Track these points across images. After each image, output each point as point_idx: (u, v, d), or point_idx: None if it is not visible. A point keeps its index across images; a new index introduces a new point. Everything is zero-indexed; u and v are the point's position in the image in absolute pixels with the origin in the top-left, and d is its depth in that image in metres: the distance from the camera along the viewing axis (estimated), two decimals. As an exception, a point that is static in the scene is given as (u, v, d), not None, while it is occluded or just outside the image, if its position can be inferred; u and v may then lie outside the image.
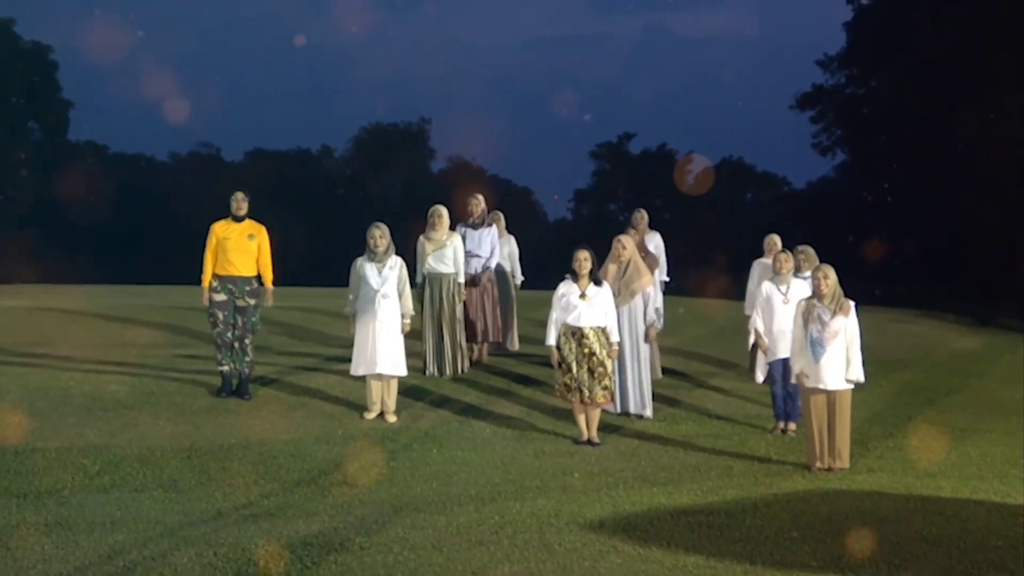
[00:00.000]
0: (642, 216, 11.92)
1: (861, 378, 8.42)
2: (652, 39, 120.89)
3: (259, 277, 9.68)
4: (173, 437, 8.39)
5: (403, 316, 9.32)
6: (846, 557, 5.82)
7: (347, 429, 8.97)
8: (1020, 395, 11.97)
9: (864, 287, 15.17)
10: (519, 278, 12.17)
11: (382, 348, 9.18)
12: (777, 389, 9.68)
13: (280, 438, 8.55)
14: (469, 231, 11.21)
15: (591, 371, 8.88)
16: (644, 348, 10.00)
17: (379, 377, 9.28)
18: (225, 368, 9.58)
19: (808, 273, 9.83)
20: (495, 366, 11.35)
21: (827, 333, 8.25)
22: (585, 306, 8.92)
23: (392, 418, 9.27)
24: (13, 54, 43.44)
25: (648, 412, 9.98)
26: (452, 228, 10.86)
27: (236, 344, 9.56)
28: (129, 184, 44.28)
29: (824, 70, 39.06)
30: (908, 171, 32.82)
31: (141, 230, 41.03)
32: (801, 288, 9.38)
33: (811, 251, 10.34)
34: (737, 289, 12.86)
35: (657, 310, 10.11)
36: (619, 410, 9.87)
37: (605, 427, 9.35)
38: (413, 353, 10.06)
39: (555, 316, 9.04)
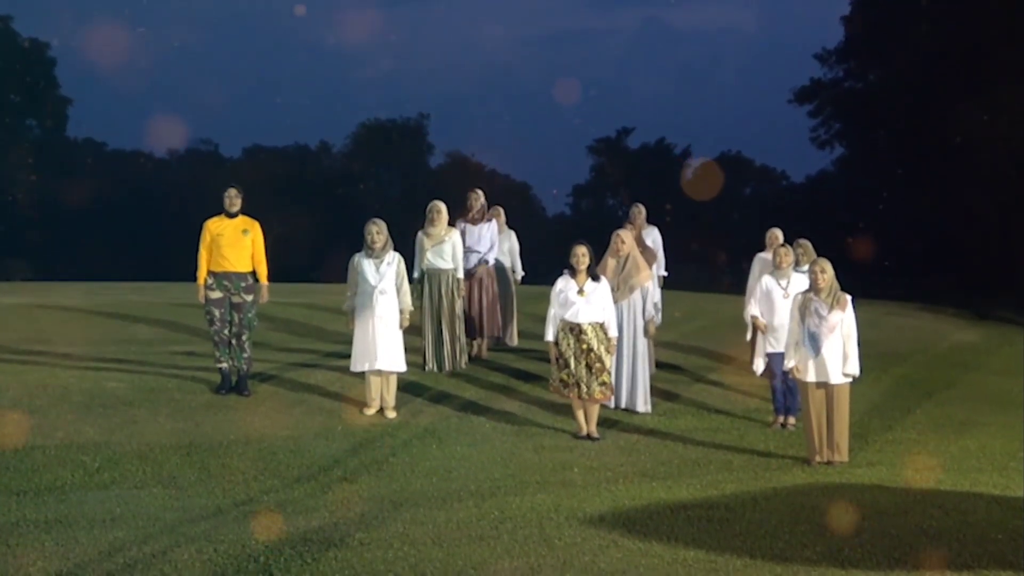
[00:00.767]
0: (639, 211, 11.90)
1: (857, 372, 8.43)
2: (650, 33, 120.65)
3: (254, 273, 9.68)
4: (173, 434, 8.39)
5: (401, 311, 9.32)
6: (846, 550, 5.83)
7: (347, 425, 8.97)
8: (1018, 388, 11.98)
9: (862, 281, 15.19)
10: (520, 273, 12.17)
11: (381, 344, 9.18)
12: (777, 383, 9.69)
13: (280, 434, 8.55)
14: (468, 226, 11.21)
15: (589, 367, 8.88)
16: (642, 343, 10.01)
17: (378, 373, 9.28)
18: (224, 365, 9.59)
19: (806, 267, 9.85)
20: (494, 362, 11.36)
21: (825, 327, 8.26)
22: (583, 302, 8.91)
23: (391, 414, 9.28)
24: (11, 51, 43.39)
25: (647, 407, 9.99)
26: (451, 223, 10.86)
27: (233, 341, 9.56)
28: (128, 181, 44.25)
29: (822, 64, 39.07)
30: (906, 165, 32.82)
31: (140, 227, 40.98)
32: (801, 282, 9.38)
33: (809, 245, 10.35)
34: (734, 282, 12.87)
35: (655, 305, 10.12)
36: (619, 405, 9.88)
37: (604, 422, 9.36)
38: (412, 349, 10.06)
39: (553, 312, 9.03)
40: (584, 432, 8.98)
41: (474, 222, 11.28)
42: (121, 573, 5.25)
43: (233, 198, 9.67)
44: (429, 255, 10.59)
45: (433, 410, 9.60)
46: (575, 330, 8.91)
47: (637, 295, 9.94)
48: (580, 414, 9.02)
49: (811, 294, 8.41)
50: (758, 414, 10.19)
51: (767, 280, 9.77)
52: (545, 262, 13.80)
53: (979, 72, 28.72)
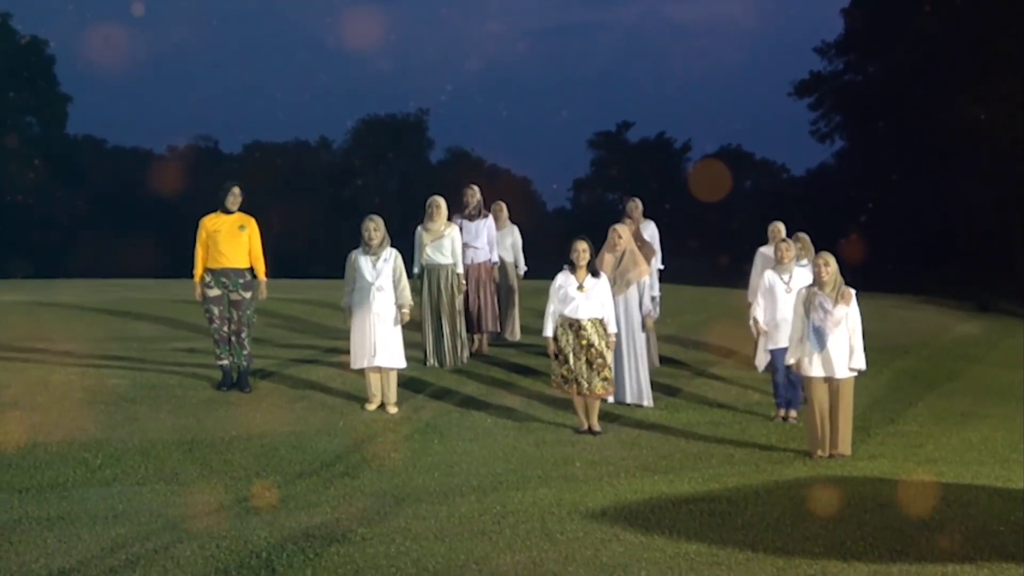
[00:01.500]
0: (636, 205, 11.86)
1: (863, 366, 8.42)
2: (650, 27, 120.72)
3: (252, 269, 9.65)
4: (174, 430, 8.40)
5: (400, 307, 9.31)
6: (848, 543, 5.82)
7: (348, 421, 8.97)
8: (1020, 380, 11.98)
9: (863, 273, 15.18)
10: (522, 268, 12.16)
11: (380, 341, 9.16)
12: (779, 377, 9.69)
13: (281, 430, 8.55)
14: (465, 222, 11.19)
15: (589, 363, 8.87)
16: (640, 338, 10.00)
17: (377, 370, 9.28)
18: (224, 362, 9.58)
19: (806, 261, 9.85)
20: (495, 357, 11.35)
21: (830, 321, 8.24)
22: (583, 298, 8.89)
23: (393, 409, 9.28)
24: (10, 49, 43.41)
25: (648, 401, 9.99)
26: (450, 219, 10.85)
27: (233, 338, 9.55)
28: (127, 177, 44.25)
29: (822, 57, 39.13)
30: (906, 157, 32.83)
31: (140, 224, 40.97)
32: (803, 276, 9.37)
33: (807, 239, 10.34)
34: (734, 276, 12.86)
35: (653, 299, 10.11)
36: (622, 400, 9.87)
37: (606, 416, 9.36)
38: (413, 344, 10.05)
39: (552, 307, 9.02)
40: (585, 426, 8.98)
41: (471, 218, 11.26)
42: (123, 569, 5.25)
43: (236, 196, 9.64)
44: (428, 250, 10.58)
45: (434, 405, 9.60)
46: (574, 326, 8.90)
47: (634, 290, 9.92)
48: (581, 408, 9.01)
49: (815, 289, 8.40)
50: (760, 408, 10.19)
51: (769, 275, 9.76)
52: (546, 256, 13.78)
53: (978, 64, 28.72)
